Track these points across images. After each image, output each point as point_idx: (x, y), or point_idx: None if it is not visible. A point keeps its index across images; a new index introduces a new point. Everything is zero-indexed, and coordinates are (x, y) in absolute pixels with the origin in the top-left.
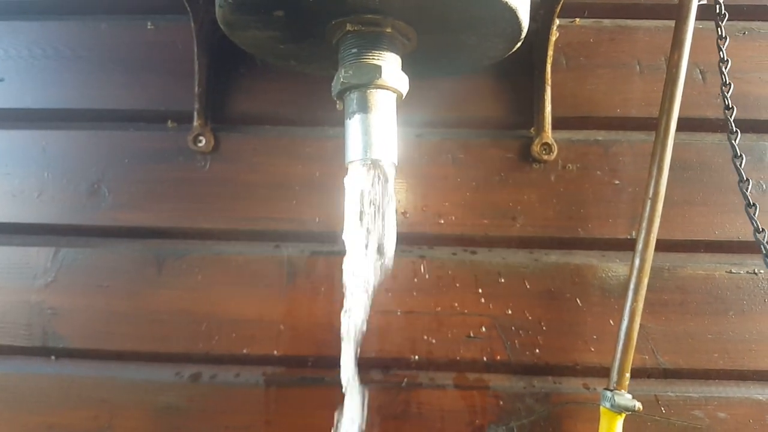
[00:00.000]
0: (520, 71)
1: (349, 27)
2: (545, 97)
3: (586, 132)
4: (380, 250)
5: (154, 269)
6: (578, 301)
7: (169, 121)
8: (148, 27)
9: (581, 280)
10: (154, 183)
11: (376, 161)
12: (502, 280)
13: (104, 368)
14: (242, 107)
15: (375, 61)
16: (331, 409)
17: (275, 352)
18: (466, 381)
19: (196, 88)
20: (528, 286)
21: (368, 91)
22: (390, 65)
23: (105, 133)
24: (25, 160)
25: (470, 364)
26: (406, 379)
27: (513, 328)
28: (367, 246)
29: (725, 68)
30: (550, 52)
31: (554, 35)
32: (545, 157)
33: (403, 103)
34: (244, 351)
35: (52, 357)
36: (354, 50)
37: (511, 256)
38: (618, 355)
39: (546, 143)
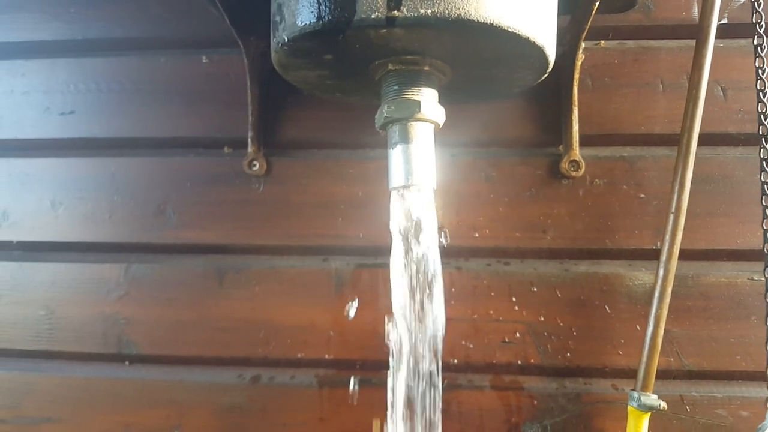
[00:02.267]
0: (548, 93)
1: (390, 66)
2: (572, 117)
3: (612, 149)
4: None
5: (215, 282)
6: (607, 308)
7: (226, 147)
8: (203, 61)
9: (609, 289)
10: (213, 204)
11: (417, 186)
12: (535, 289)
13: (173, 372)
14: (291, 133)
15: (414, 97)
16: (378, 407)
17: (326, 356)
18: (502, 382)
19: (250, 118)
20: (559, 295)
21: (408, 123)
22: (428, 99)
23: (167, 159)
24: (96, 186)
25: (506, 367)
26: (446, 381)
27: (545, 333)
28: (409, 262)
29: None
30: (577, 75)
31: (580, 58)
32: (573, 174)
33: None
34: (299, 355)
35: (126, 362)
36: (395, 87)
37: (543, 266)
38: (644, 359)
39: (574, 160)
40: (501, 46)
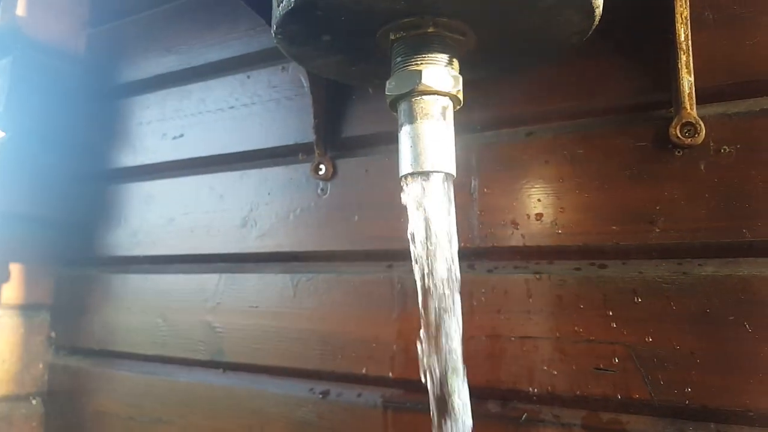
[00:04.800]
0: (646, 38)
1: (392, 36)
2: (680, 66)
3: (747, 102)
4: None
5: (291, 291)
6: (747, 325)
7: (300, 154)
8: (281, 70)
9: (750, 298)
10: (288, 211)
11: (428, 173)
12: (639, 300)
13: (257, 381)
14: (354, 132)
15: (416, 67)
16: None
17: (390, 374)
18: (599, 422)
19: (313, 120)
20: (674, 307)
21: (413, 99)
22: (435, 68)
23: (253, 171)
24: (198, 201)
25: (602, 401)
26: (525, 414)
27: (655, 359)
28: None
29: None
30: (680, 9)
31: None
32: (689, 141)
33: (507, 101)
34: (363, 371)
35: (221, 370)
36: (399, 59)
37: (651, 269)
38: None
39: (688, 123)
40: None
